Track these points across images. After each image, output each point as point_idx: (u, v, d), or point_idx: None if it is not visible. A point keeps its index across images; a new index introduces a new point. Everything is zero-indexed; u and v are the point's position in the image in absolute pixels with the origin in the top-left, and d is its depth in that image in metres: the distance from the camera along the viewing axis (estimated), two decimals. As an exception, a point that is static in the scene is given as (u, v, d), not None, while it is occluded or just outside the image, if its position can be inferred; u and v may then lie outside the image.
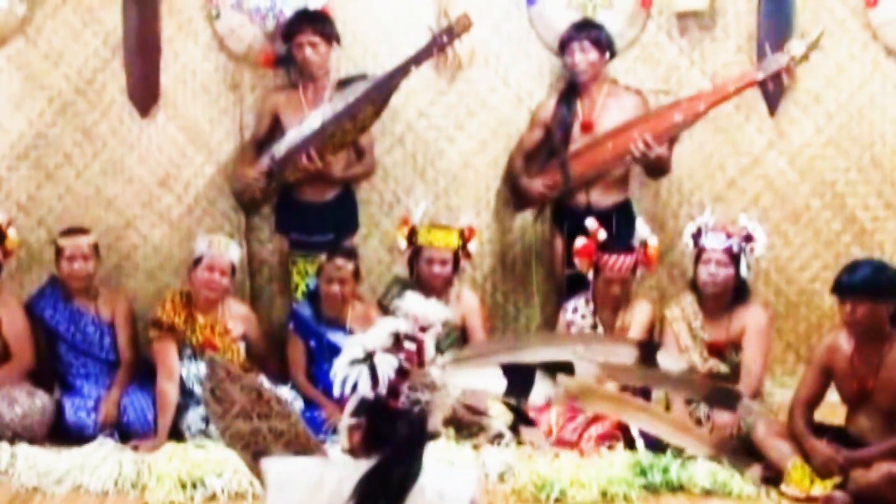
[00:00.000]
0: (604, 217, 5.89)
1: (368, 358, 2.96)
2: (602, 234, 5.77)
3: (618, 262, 5.71)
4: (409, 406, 2.95)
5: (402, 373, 3.01)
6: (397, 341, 3.00)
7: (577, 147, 6.12)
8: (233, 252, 5.81)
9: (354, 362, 3.01)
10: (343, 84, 6.09)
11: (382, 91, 5.96)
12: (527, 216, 6.48)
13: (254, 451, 3.42)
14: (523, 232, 6.58)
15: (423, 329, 3.03)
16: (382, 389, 2.96)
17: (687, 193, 6.55)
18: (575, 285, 6.03)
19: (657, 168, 6.16)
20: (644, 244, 5.77)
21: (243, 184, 6.20)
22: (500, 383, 3.00)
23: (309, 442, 3.40)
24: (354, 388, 2.98)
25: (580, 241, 5.79)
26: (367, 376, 3.01)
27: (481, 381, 3.04)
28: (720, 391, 3.40)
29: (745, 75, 6.07)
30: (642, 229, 5.84)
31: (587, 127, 6.13)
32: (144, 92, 6.37)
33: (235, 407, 3.75)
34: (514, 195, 6.45)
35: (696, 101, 6.01)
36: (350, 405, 3.02)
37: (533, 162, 6.36)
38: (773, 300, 6.57)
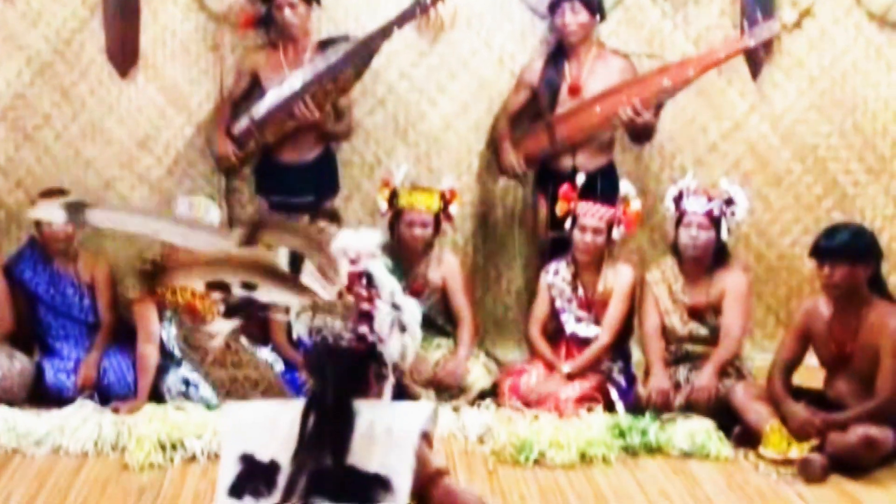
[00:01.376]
0: (588, 180, 5.87)
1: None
2: (580, 179, 5.78)
3: (593, 209, 5.70)
4: (319, 337, 2.93)
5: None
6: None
7: (564, 110, 6.10)
8: (213, 214, 5.77)
9: None
10: (324, 45, 6.05)
11: (364, 53, 5.93)
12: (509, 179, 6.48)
13: (236, 400, 3.38)
14: (505, 194, 6.59)
15: (354, 261, 3.02)
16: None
17: (669, 157, 6.56)
18: (558, 249, 6.04)
19: (642, 134, 6.15)
20: (625, 201, 5.76)
21: (219, 147, 6.18)
22: None
23: (284, 392, 3.40)
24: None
25: (564, 187, 5.79)
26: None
27: None
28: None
29: (736, 42, 6.05)
30: (626, 187, 5.82)
31: (575, 90, 6.10)
32: (123, 52, 6.31)
33: (209, 355, 3.76)
34: (497, 158, 6.42)
35: (685, 67, 5.97)
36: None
37: (518, 124, 6.34)
38: (753, 264, 6.60)
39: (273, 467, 2.81)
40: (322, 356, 2.94)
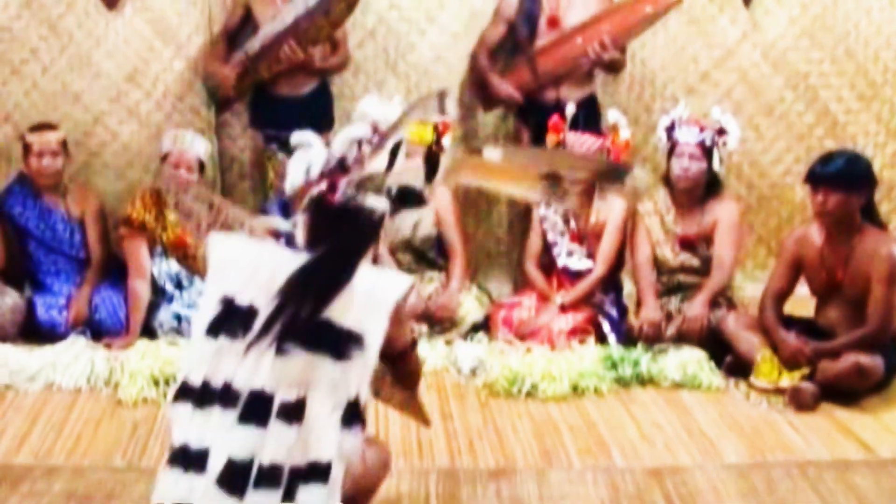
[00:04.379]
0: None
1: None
2: (570, 109, 5.74)
3: (581, 139, 5.67)
4: (345, 200, 3.06)
5: (342, 168, 3.09)
6: (359, 147, 3.09)
7: (544, 43, 6.04)
8: (198, 147, 5.71)
9: (297, 160, 3.15)
10: (316, -22, 5.99)
11: (355, -15, 5.89)
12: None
13: None
14: (497, 127, 6.55)
15: (377, 130, 3.09)
16: (308, 177, 3.15)
17: (660, 87, 6.52)
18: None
19: (609, 68, 6.13)
20: (614, 130, 5.71)
21: (217, 80, 6.13)
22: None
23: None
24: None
25: (553, 118, 5.76)
26: (301, 168, 3.12)
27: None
28: (609, 167, 3.52)
29: None
30: (615, 116, 5.77)
31: (554, 22, 6.04)
32: (110, -16, 6.26)
33: (202, 221, 3.82)
34: (481, 94, 6.35)
35: None
36: (303, 202, 3.14)
37: (496, 58, 6.27)
38: (745, 194, 6.60)
39: (251, 312, 2.94)
40: (348, 221, 3.06)
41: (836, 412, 4.83)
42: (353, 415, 2.89)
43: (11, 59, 6.26)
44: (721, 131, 5.59)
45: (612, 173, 3.60)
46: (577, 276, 5.74)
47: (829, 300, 5.19)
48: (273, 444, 2.85)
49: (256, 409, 2.87)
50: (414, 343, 3.23)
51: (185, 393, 2.97)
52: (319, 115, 6.19)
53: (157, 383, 4.95)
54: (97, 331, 5.55)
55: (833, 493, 4.06)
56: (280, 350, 2.87)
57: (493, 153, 3.50)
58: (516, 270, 6.20)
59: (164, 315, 5.52)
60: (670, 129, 5.67)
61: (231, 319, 2.95)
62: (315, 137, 3.36)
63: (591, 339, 5.44)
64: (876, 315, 4.94)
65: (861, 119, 6.60)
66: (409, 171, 3.13)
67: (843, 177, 4.95)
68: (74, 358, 5.20)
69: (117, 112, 6.36)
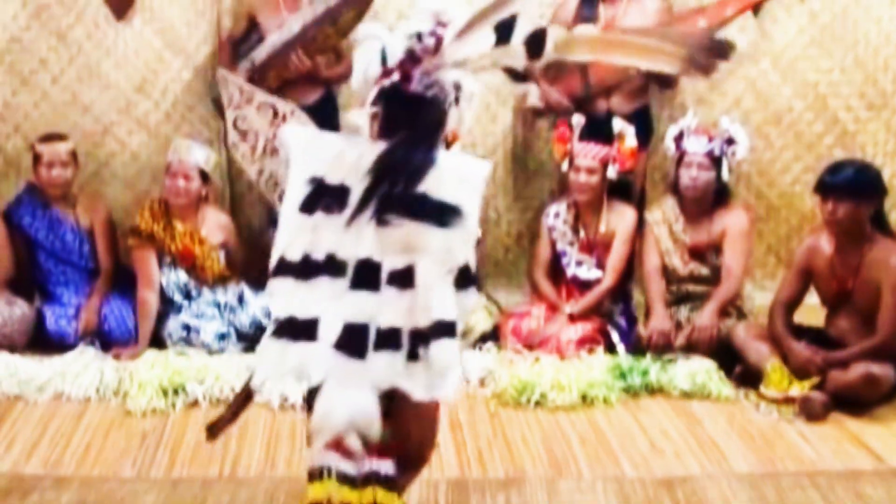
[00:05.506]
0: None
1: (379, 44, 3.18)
2: (577, 119, 5.74)
3: (587, 149, 5.67)
4: (423, 90, 3.12)
5: (413, 59, 3.13)
6: (419, 40, 3.13)
7: None
8: (196, 156, 5.70)
9: (367, 52, 3.19)
10: (323, -14, 5.99)
11: (364, -6, 5.88)
12: (506, 120, 6.43)
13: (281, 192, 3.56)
14: (505, 136, 6.54)
15: (443, 24, 3.14)
16: (390, 70, 3.14)
17: (669, 96, 6.49)
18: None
19: (663, 81, 6.07)
20: (620, 138, 5.69)
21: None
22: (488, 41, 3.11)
23: None
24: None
25: (560, 129, 5.76)
26: (376, 60, 3.17)
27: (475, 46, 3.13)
28: (713, 42, 3.45)
29: None
30: (619, 125, 5.73)
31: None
32: (120, -6, 6.27)
33: (259, 139, 3.86)
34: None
35: (722, 6, 5.85)
36: (370, 94, 3.16)
37: (550, 66, 6.23)
38: (754, 203, 6.58)
39: (343, 189, 3.02)
40: (426, 108, 3.14)
41: (846, 422, 4.82)
42: (466, 278, 2.98)
43: (21, 69, 6.28)
44: (730, 141, 5.59)
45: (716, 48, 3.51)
46: (586, 285, 5.74)
47: (839, 309, 5.18)
48: (389, 309, 2.91)
49: (366, 276, 2.94)
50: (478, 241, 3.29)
51: (285, 268, 3.03)
52: (325, 124, 6.16)
53: (165, 393, 4.94)
54: (106, 341, 5.55)
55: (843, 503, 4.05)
56: (381, 221, 2.95)
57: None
58: (525, 280, 6.18)
59: (173, 325, 5.53)
60: (679, 139, 5.67)
61: (325, 196, 3.03)
62: (381, 29, 3.36)
63: (601, 349, 5.44)
64: (886, 324, 4.93)
65: (870, 128, 6.58)
66: (510, 50, 3.12)
67: (852, 186, 4.95)
68: (83, 368, 5.20)
69: (126, 122, 6.37)
